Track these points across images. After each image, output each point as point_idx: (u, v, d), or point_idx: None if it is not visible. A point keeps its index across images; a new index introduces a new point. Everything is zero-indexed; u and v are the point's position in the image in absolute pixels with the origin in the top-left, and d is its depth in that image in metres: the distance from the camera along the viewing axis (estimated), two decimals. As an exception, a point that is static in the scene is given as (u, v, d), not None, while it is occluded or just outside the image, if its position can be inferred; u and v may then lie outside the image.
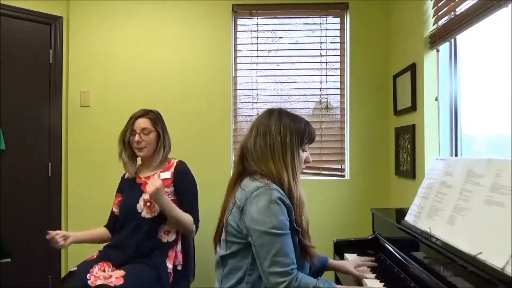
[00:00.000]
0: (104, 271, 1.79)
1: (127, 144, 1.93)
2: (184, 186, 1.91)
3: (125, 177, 2.02)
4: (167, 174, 1.91)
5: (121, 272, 1.70)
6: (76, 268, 1.77)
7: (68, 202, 2.70)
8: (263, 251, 1.19)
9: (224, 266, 1.30)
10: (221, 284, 1.31)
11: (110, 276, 1.68)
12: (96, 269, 1.77)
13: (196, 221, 1.89)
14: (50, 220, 2.64)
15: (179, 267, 1.89)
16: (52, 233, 1.76)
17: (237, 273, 1.26)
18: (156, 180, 1.73)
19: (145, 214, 1.83)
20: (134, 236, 1.83)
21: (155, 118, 1.96)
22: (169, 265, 1.84)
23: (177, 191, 1.89)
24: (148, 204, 1.83)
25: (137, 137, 1.88)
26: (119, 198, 1.99)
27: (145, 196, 1.84)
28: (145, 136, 1.89)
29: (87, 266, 1.78)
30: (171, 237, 1.87)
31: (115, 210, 2.00)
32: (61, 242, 1.76)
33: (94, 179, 2.70)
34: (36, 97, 2.63)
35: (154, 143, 1.93)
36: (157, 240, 1.84)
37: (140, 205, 1.84)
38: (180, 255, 1.91)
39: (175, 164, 1.95)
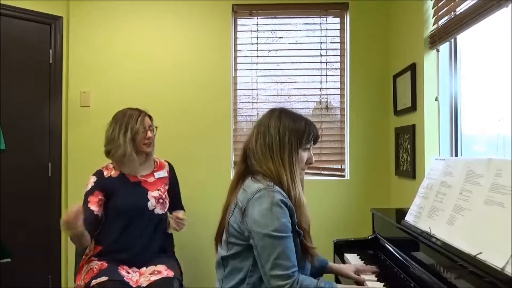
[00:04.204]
0: (129, 273, 1.79)
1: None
2: (176, 183, 2.10)
3: (106, 176, 1.92)
4: (163, 173, 2.03)
5: (162, 267, 1.83)
6: (106, 278, 1.66)
7: (68, 202, 2.69)
8: (265, 254, 1.19)
9: (225, 266, 1.30)
10: (221, 284, 1.31)
11: (159, 272, 1.80)
12: (123, 272, 1.76)
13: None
14: (50, 220, 2.63)
15: None
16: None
17: (238, 274, 1.26)
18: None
19: (158, 210, 1.92)
20: (145, 233, 1.88)
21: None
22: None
23: (170, 187, 2.03)
24: (160, 200, 1.93)
25: (149, 133, 1.94)
26: (99, 197, 1.84)
27: (154, 193, 1.92)
28: (151, 133, 1.97)
29: (113, 272, 1.71)
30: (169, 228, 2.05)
31: (95, 209, 1.80)
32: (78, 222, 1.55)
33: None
34: (36, 97, 2.62)
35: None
36: (166, 233, 2.01)
37: (152, 203, 1.90)
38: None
39: (167, 164, 2.09)
